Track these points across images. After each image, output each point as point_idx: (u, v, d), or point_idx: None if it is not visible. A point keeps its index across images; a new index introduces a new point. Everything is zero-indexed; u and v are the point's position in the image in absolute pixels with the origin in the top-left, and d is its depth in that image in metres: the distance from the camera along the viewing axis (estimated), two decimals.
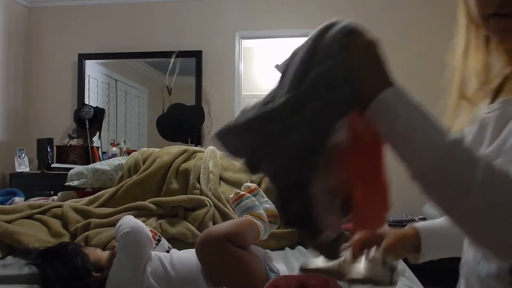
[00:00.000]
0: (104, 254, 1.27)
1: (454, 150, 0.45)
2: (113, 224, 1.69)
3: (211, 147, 2.26)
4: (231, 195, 1.45)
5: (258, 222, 1.29)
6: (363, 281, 0.67)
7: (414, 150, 0.46)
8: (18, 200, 2.25)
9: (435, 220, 0.77)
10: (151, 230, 1.34)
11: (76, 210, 1.84)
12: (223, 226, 1.30)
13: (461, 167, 0.44)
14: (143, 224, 1.27)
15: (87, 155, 3.16)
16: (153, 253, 1.27)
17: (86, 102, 3.33)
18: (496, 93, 0.62)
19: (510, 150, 0.52)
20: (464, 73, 0.64)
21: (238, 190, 1.44)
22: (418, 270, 1.39)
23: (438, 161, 0.45)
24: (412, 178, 0.47)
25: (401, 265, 1.45)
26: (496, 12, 0.53)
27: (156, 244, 1.37)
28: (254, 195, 1.44)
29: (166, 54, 3.23)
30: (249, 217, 1.31)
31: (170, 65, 3.25)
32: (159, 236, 1.46)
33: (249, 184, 1.51)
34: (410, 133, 0.46)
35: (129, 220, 1.25)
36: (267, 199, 1.46)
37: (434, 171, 0.45)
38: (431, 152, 0.45)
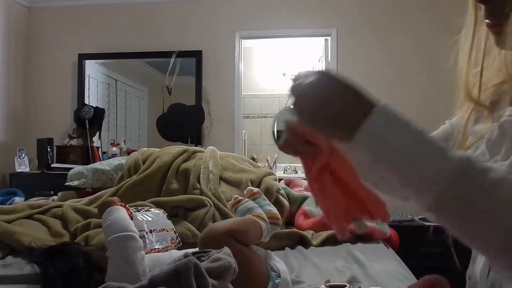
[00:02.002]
0: (106, 255, 1.27)
1: (467, 172, 0.40)
2: None
3: (211, 147, 2.26)
4: (230, 201, 1.46)
5: (261, 221, 1.29)
6: None
7: (419, 180, 0.41)
8: (18, 200, 2.25)
9: None
10: (124, 206, 1.28)
11: (76, 210, 1.84)
12: (225, 222, 1.30)
13: (479, 189, 0.40)
14: (126, 222, 1.19)
15: (87, 155, 3.16)
16: (152, 254, 1.27)
17: (86, 102, 3.33)
18: None
19: None
20: (470, 74, 0.63)
21: (237, 196, 1.45)
22: (418, 270, 1.39)
23: (452, 189, 0.40)
24: (426, 211, 0.42)
25: (400, 264, 1.46)
26: (486, 19, 0.57)
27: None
28: (255, 199, 1.45)
29: (166, 54, 3.24)
30: (251, 216, 1.32)
31: (170, 65, 3.25)
32: (179, 240, 1.55)
33: (252, 188, 1.52)
34: (409, 161, 0.41)
35: (111, 223, 1.19)
36: (269, 202, 1.46)
37: (449, 201, 0.40)
38: (442, 179, 0.40)
